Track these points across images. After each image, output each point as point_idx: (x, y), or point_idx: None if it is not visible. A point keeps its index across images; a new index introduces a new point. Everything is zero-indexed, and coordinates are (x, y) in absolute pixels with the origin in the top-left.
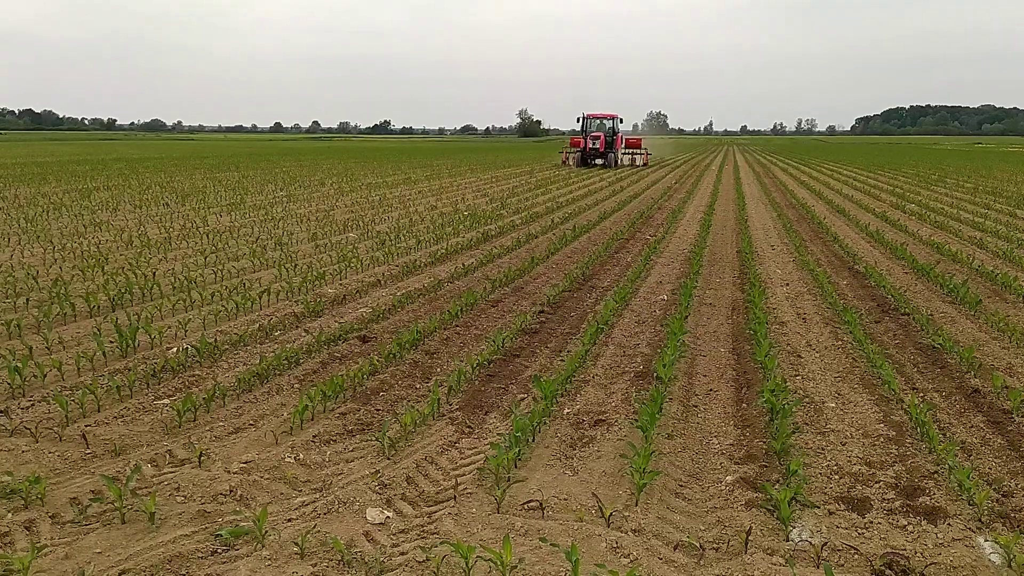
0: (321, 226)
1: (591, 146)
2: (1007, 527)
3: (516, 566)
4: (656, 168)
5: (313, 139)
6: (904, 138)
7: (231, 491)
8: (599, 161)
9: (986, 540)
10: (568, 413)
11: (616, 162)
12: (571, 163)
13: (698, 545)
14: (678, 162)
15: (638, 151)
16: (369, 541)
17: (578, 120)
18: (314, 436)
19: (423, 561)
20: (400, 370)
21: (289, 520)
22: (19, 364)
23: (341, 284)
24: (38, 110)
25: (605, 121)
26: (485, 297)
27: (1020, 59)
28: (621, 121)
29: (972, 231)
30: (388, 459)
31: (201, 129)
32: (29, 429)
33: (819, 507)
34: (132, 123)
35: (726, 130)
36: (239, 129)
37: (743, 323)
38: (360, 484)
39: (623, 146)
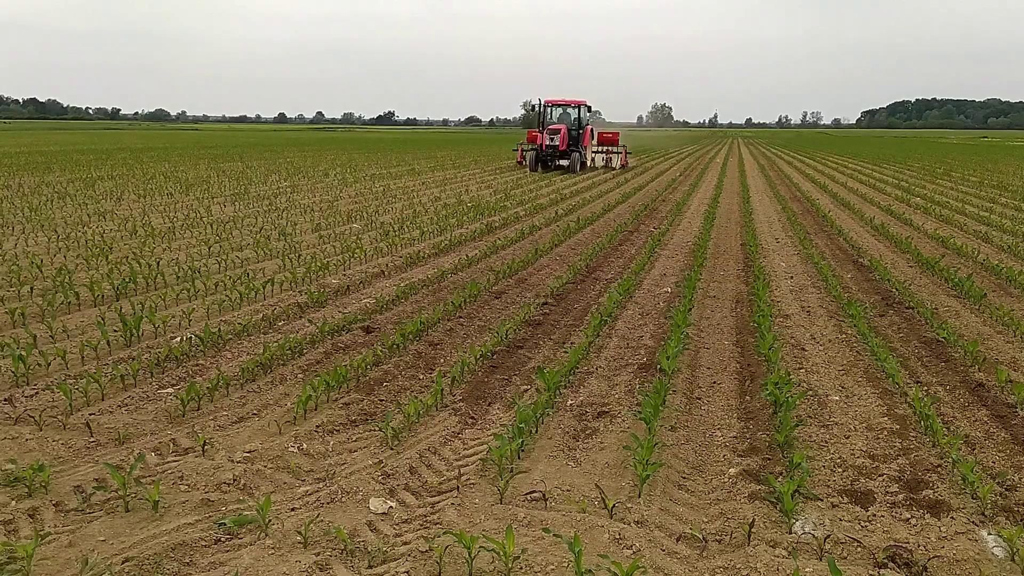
0: (325, 217)
1: (548, 143)
2: (1010, 521)
3: (519, 557)
4: (660, 160)
5: (317, 129)
6: (910, 132)
7: (235, 480)
8: (563, 163)
9: (989, 534)
10: (571, 404)
11: (583, 164)
12: (527, 164)
13: (701, 537)
14: (683, 154)
15: (615, 149)
16: (372, 531)
17: (533, 108)
18: (317, 426)
19: (426, 551)
20: (403, 360)
21: (292, 509)
22: (23, 352)
23: (345, 275)
24: (42, 99)
25: (569, 110)
26: (488, 288)
27: None
28: (590, 110)
29: (977, 225)
30: (391, 449)
31: (205, 119)
32: (33, 417)
33: (822, 500)
34: (136, 113)
35: (731, 123)
36: (243, 119)
37: (747, 316)
38: (363, 474)
39: (594, 142)
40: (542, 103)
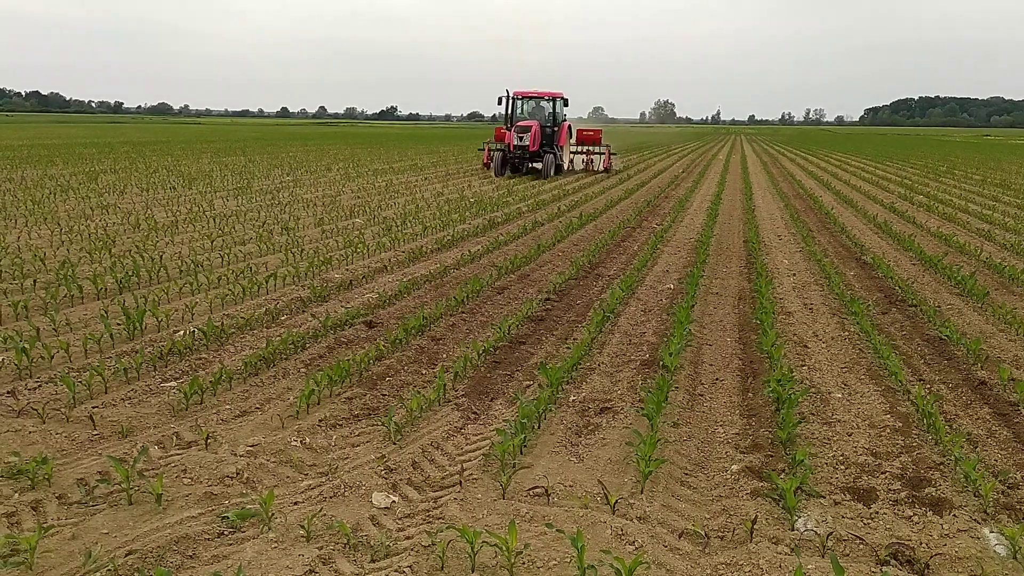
0: (327, 211)
1: (517, 143)
2: (1012, 519)
3: (522, 551)
4: (663, 157)
5: (320, 124)
6: (913, 129)
7: (238, 474)
8: (536, 165)
9: (991, 531)
10: (574, 400)
11: (559, 166)
12: (493, 167)
13: (703, 533)
14: (685, 151)
15: (597, 149)
16: (375, 525)
17: (500, 102)
18: (320, 420)
19: (428, 546)
20: (406, 355)
21: (295, 503)
22: (26, 345)
23: (347, 269)
24: (45, 92)
25: (543, 103)
26: (491, 284)
27: None
28: (566, 104)
29: (980, 223)
30: (394, 444)
31: (208, 113)
32: (36, 410)
33: (825, 497)
34: (139, 106)
35: (733, 119)
36: (246, 113)
37: (750, 313)
38: (366, 468)
39: (572, 141)
40: (510, 95)
